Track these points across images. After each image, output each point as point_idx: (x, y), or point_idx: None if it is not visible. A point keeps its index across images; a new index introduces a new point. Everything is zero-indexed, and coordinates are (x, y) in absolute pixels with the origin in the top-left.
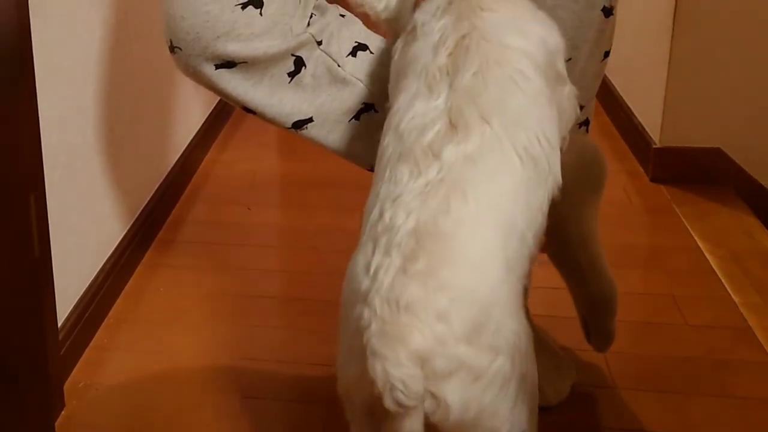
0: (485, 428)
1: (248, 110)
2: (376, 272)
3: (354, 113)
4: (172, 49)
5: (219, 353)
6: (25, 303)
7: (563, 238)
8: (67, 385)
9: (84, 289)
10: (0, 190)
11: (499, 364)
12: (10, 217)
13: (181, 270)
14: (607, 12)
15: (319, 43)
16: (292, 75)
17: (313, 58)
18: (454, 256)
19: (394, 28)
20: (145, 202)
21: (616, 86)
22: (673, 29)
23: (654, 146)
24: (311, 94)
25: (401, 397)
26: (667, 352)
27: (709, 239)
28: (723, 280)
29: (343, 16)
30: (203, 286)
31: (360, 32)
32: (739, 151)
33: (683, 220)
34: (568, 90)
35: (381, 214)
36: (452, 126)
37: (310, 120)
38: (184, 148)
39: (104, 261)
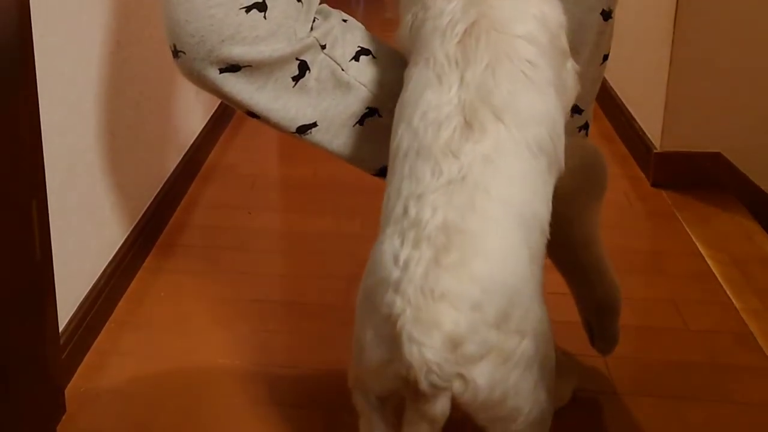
0: (509, 407)
1: (252, 114)
2: (407, 263)
3: (358, 118)
4: (176, 53)
5: (220, 358)
6: (27, 307)
7: (566, 241)
8: (69, 390)
9: (85, 293)
10: (2, 195)
11: (524, 347)
12: (12, 221)
13: (182, 274)
14: (606, 15)
15: (323, 47)
16: (296, 79)
17: (317, 62)
18: (484, 250)
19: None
20: (146, 207)
21: (617, 91)
22: (673, 34)
23: (655, 151)
24: (315, 99)
25: (436, 379)
26: (668, 357)
27: (710, 244)
28: (724, 285)
29: (345, 21)
30: (204, 291)
31: (363, 37)
32: (740, 155)
33: (684, 224)
34: (570, 65)
35: (405, 210)
36: (467, 124)
37: (314, 125)
38: (184, 152)
39: (105, 265)
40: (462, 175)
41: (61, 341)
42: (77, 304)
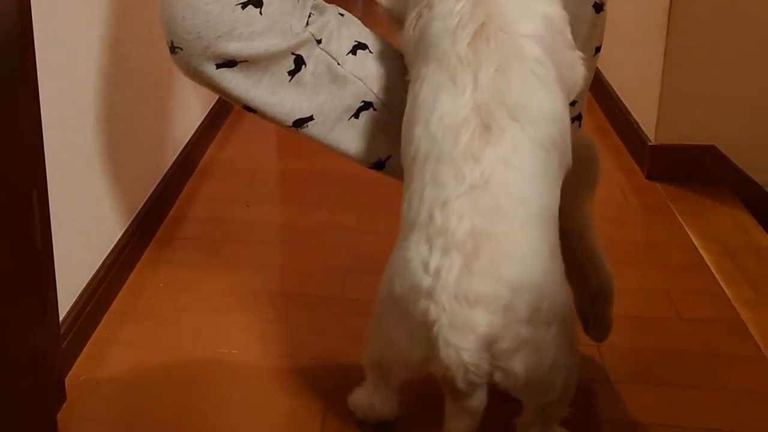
0: (546, 381)
1: (249, 109)
2: (438, 271)
3: (354, 111)
4: (173, 49)
5: (218, 348)
6: (28, 297)
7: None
8: (69, 379)
9: (85, 284)
10: (3, 187)
11: (553, 332)
12: (14, 213)
13: (181, 266)
14: (598, 8)
15: (319, 41)
16: (292, 73)
17: (313, 57)
18: (511, 252)
19: (395, 17)
20: (145, 200)
21: (612, 84)
22: (668, 27)
23: (649, 144)
24: (311, 93)
25: (473, 377)
26: (660, 345)
27: (704, 235)
28: (717, 276)
29: (342, 15)
30: (202, 282)
31: (359, 31)
32: (734, 148)
33: (678, 216)
34: (576, 56)
35: (431, 218)
36: (485, 127)
37: (311, 118)
38: (183, 146)
39: (105, 257)
40: (485, 180)
41: (62, 331)
42: (77, 295)
